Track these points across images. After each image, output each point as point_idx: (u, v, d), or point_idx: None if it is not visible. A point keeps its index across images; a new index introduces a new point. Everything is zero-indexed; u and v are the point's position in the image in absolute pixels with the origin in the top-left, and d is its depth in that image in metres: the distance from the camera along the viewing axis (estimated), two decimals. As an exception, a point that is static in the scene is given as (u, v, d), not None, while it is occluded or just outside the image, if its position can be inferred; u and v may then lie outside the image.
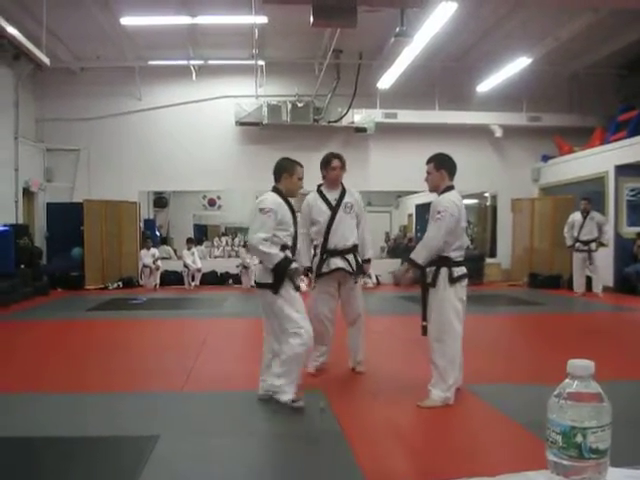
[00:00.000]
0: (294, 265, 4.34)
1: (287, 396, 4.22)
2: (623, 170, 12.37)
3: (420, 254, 4.41)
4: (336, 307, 5.40)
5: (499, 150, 14.96)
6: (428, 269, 4.47)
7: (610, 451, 1.01)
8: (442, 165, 4.61)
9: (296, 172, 4.54)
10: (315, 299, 5.33)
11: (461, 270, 4.47)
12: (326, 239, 5.22)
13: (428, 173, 4.66)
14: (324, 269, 5.22)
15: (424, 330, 4.49)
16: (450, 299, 4.40)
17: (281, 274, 4.25)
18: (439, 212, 4.38)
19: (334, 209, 5.26)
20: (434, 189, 4.66)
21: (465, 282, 4.50)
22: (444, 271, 4.41)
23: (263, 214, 4.31)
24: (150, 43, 12.72)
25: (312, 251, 5.39)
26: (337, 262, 5.20)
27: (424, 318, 4.50)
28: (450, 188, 4.57)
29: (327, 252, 5.23)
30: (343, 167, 5.37)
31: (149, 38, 12.32)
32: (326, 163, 5.35)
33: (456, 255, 4.46)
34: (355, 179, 14.45)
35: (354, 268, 5.23)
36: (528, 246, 14.21)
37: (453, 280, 4.40)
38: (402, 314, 9.91)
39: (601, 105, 14.02)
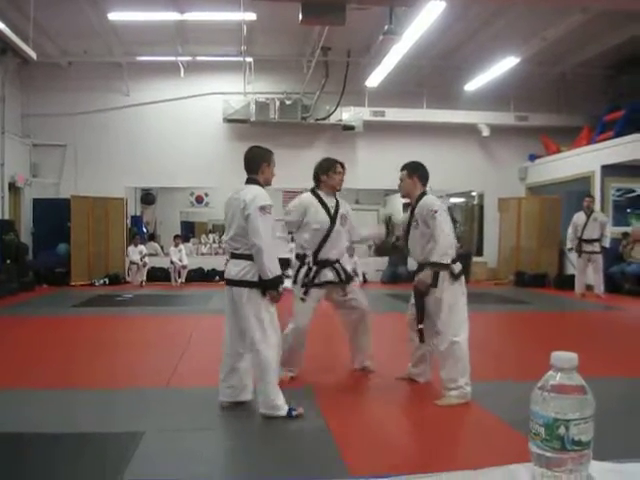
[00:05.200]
0: (287, 284, 4.08)
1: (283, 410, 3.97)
2: (609, 170, 12.46)
3: (444, 255, 4.37)
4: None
5: (486, 149, 15.02)
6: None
7: (593, 444, 1.02)
8: (414, 172, 4.71)
9: (273, 161, 4.27)
10: (299, 312, 4.91)
11: (458, 266, 4.51)
12: (320, 249, 4.88)
13: (401, 180, 4.76)
14: (315, 281, 4.87)
15: (421, 335, 4.56)
16: (457, 295, 4.46)
17: (271, 286, 3.97)
18: (435, 211, 4.41)
19: (333, 218, 4.94)
20: (406, 195, 4.79)
21: (463, 278, 4.54)
22: (443, 272, 4.43)
23: (267, 213, 3.96)
24: (138, 39, 12.66)
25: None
26: (327, 274, 4.91)
27: (420, 321, 4.54)
28: (424, 194, 4.65)
29: (318, 263, 4.88)
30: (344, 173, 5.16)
31: (137, 34, 12.26)
32: (328, 168, 5.07)
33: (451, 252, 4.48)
34: (343, 177, 14.56)
35: (342, 277, 4.97)
36: (514, 245, 14.27)
37: (455, 276, 4.45)
38: (389, 311, 9.93)
39: (588, 105, 14.10)
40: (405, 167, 4.78)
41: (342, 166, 5.17)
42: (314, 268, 4.89)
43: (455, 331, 4.38)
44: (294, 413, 3.95)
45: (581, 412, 0.99)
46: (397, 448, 3.68)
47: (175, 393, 4.71)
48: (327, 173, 5.07)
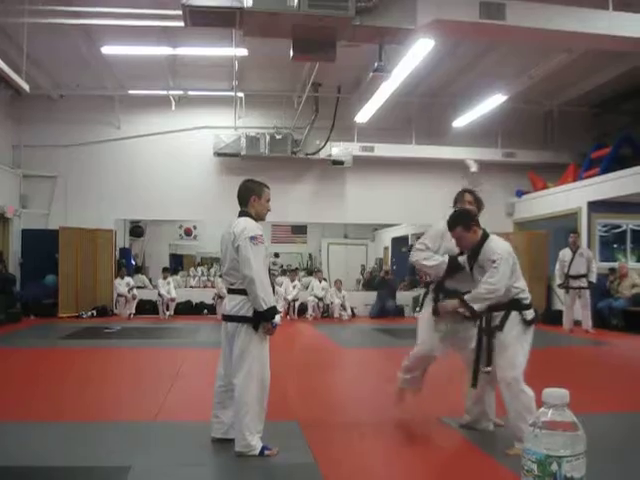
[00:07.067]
0: (277, 319, 3.97)
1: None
2: (596, 206, 12.60)
3: (479, 301, 4.13)
4: None
5: (474, 185, 15.09)
6: (496, 313, 4.19)
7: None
8: (470, 224, 4.31)
9: (264, 194, 4.20)
10: (423, 336, 4.68)
11: (531, 313, 4.27)
12: (444, 278, 4.61)
13: (458, 238, 4.33)
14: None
15: (475, 379, 4.26)
16: (524, 342, 4.19)
17: (265, 318, 3.91)
18: (494, 261, 4.11)
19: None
20: (470, 247, 4.36)
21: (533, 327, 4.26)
22: (515, 314, 4.18)
23: (258, 243, 3.93)
24: (130, 73, 12.76)
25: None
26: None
27: (488, 364, 4.19)
28: (487, 235, 4.33)
29: (444, 291, 4.61)
30: (476, 203, 4.94)
31: (129, 67, 12.37)
32: (456, 201, 4.97)
33: (524, 297, 4.27)
34: (332, 211, 14.66)
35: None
36: (503, 280, 14.27)
37: (528, 323, 4.20)
38: (378, 346, 9.94)
39: (574, 142, 14.30)
40: (456, 224, 4.33)
41: (469, 193, 4.99)
42: (441, 296, 4.63)
43: (514, 377, 4.07)
44: (266, 452, 3.87)
45: (573, 449, 0.99)
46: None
47: (163, 427, 4.65)
48: (455, 205, 4.97)
